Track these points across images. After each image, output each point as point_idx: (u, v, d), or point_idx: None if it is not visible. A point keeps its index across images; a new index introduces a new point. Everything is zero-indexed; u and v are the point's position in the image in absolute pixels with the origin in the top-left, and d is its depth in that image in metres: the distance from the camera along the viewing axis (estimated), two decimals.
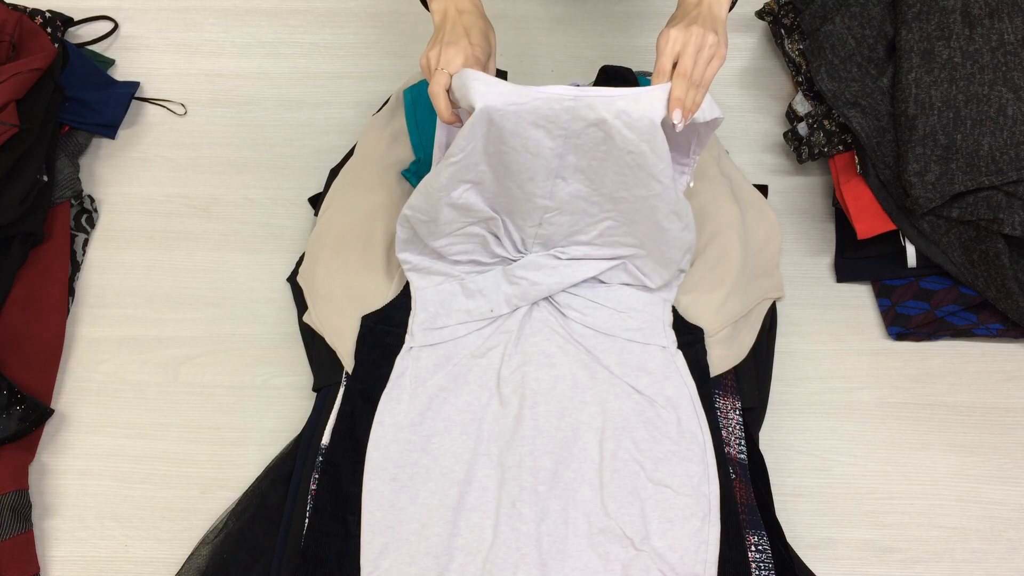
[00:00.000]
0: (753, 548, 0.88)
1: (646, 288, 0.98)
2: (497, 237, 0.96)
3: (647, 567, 0.86)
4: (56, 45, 1.19)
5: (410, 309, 0.98)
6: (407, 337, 0.96)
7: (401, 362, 0.95)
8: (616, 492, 0.89)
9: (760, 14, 1.22)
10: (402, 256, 0.97)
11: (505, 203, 0.92)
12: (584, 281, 0.98)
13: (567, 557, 0.86)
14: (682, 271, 0.97)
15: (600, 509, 0.88)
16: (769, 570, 0.88)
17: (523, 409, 0.93)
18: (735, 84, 1.25)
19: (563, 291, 0.98)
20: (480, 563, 0.86)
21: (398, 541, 0.87)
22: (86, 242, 1.15)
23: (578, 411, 0.93)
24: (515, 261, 0.98)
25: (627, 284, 0.99)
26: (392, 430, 0.92)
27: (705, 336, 0.97)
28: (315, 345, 1.03)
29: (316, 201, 1.16)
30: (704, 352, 0.96)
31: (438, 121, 0.87)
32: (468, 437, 0.92)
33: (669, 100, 0.80)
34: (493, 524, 0.88)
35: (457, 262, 0.98)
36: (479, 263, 0.98)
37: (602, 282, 0.99)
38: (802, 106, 1.15)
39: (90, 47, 1.29)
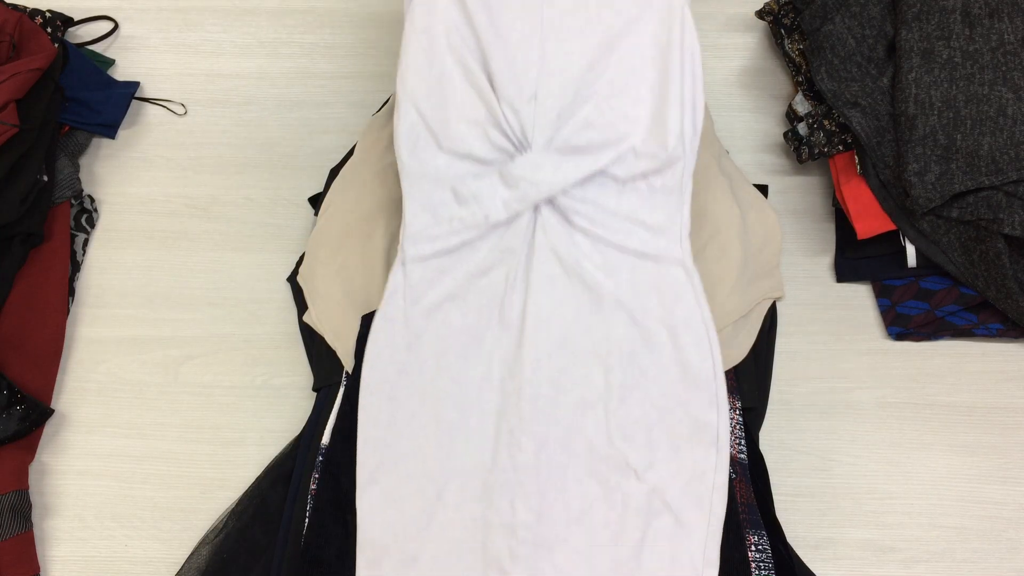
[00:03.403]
0: (753, 548, 0.88)
1: (662, 186, 0.90)
2: (498, 126, 0.90)
3: (648, 497, 0.83)
4: (56, 45, 1.19)
5: None
6: (397, 251, 0.91)
7: (393, 279, 0.91)
8: (622, 421, 0.85)
9: (760, 14, 1.22)
10: (408, 162, 0.92)
11: (497, 53, 0.88)
12: (594, 178, 0.90)
13: (566, 486, 0.84)
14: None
15: (604, 437, 0.85)
16: (769, 570, 0.88)
17: (524, 335, 0.88)
18: (735, 84, 1.25)
19: (570, 195, 0.90)
20: (477, 489, 0.84)
21: (394, 459, 0.85)
22: (86, 242, 1.15)
23: (582, 338, 0.88)
24: (514, 160, 0.91)
25: (642, 179, 0.90)
26: (388, 351, 0.88)
27: None
28: (315, 345, 1.03)
29: (316, 201, 1.16)
30: None
31: None
32: (467, 361, 0.88)
33: None
34: (492, 450, 0.85)
35: (454, 156, 0.91)
36: (476, 160, 0.91)
37: (615, 181, 0.90)
38: (802, 106, 1.15)
39: (90, 47, 1.29)
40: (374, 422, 0.86)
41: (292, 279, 1.10)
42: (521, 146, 0.92)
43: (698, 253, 1.00)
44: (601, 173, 0.90)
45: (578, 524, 0.84)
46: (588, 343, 0.88)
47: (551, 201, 0.91)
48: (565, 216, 0.91)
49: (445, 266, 0.91)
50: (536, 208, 0.91)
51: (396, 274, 0.91)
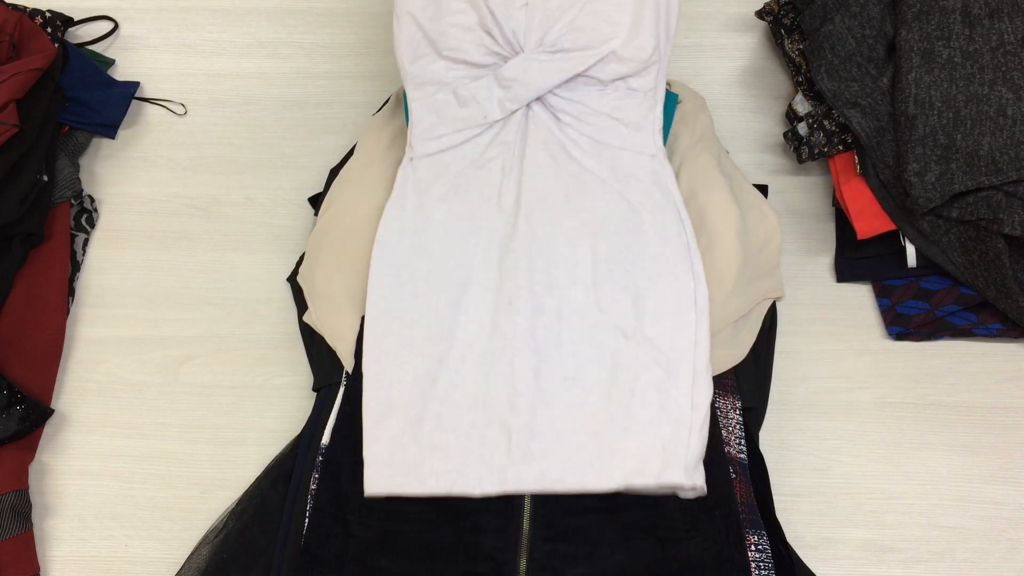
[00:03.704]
0: (753, 548, 0.89)
1: (638, 87, 1.00)
2: (490, 33, 1.00)
3: (636, 354, 0.91)
4: (56, 45, 1.19)
5: None
6: (406, 149, 1.01)
7: (402, 173, 1.00)
8: (608, 290, 0.94)
9: (760, 14, 1.22)
10: (410, 70, 1.02)
11: None
12: (578, 80, 1.00)
13: (561, 346, 0.91)
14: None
15: (593, 306, 0.93)
16: (769, 570, 0.88)
17: (519, 217, 0.97)
18: (735, 84, 1.25)
19: (558, 95, 1.00)
20: (479, 352, 0.91)
21: (400, 326, 0.93)
22: (86, 242, 1.15)
23: (571, 218, 0.97)
24: (507, 63, 1.01)
25: (621, 81, 1.00)
26: (397, 234, 0.97)
27: None
28: (315, 345, 1.03)
29: (316, 201, 1.16)
30: None
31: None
32: (468, 244, 0.96)
33: None
34: (491, 319, 0.92)
35: (452, 62, 1.01)
36: (472, 65, 1.01)
37: (598, 82, 1.00)
38: (802, 106, 1.15)
39: (90, 47, 1.29)
40: (382, 295, 0.94)
41: (292, 279, 1.10)
42: (514, 50, 1.01)
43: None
44: (585, 75, 1.01)
45: (573, 381, 0.91)
46: (576, 222, 0.97)
47: (541, 100, 1.01)
48: (554, 114, 1.01)
49: (448, 160, 1.00)
50: (528, 106, 1.01)
51: (405, 169, 1.00)
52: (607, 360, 0.91)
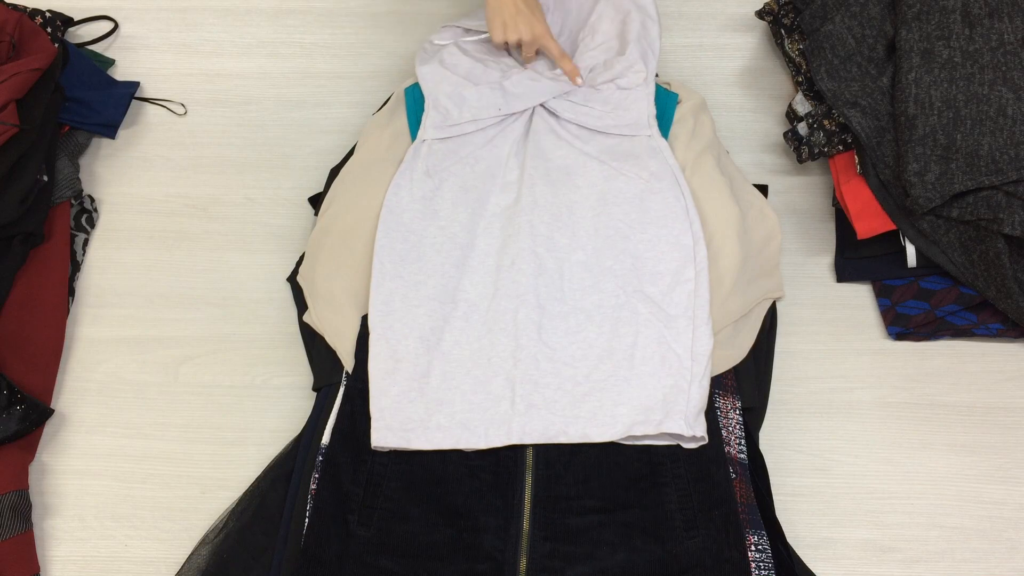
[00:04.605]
0: (753, 548, 0.89)
1: (629, 85, 1.07)
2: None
3: (636, 310, 0.95)
4: (56, 45, 1.19)
5: None
6: (419, 132, 1.06)
7: (413, 149, 1.05)
8: (608, 253, 0.98)
9: (760, 14, 1.22)
10: (421, 69, 1.10)
11: None
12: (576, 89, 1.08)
13: (563, 303, 0.95)
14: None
15: (594, 266, 0.97)
16: (769, 570, 0.88)
17: (522, 188, 1.01)
18: (735, 84, 1.25)
19: (558, 99, 1.07)
20: (483, 311, 0.95)
21: (405, 287, 0.96)
22: (86, 242, 1.15)
23: (572, 192, 1.02)
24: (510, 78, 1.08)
25: (609, 82, 1.07)
26: (407, 200, 1.01)
27: None
28: (315, 345, 1.03)
29: (316, 201, 1.16)
30: None
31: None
32: (473, 211, 1.00)
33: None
34: (494, 280, 0.96)
35: (468, 79, 1.08)
36: (484, 82, 1.08)
37: (591, 86, 1.08)
38: (802, 106, 1.15)
39: (90, 47, 1.29)
40: (390, 258, 0.98)
41: (292, 279, 1.10)
42: (519, 65, 1.11)
43: None
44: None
45: (575, 336, 0.94)
46: (578, 196, 1.02)
47: (542, 103, 1.08)
48: (554, 113, 1.07)
49: (459, 143, 1.05)
50: (533, 109, 1.08)
51: (417, 147, 1.05)
52: (608, 316, 0.95)
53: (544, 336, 0.94)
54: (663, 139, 1.05)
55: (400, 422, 0.91)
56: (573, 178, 1.03)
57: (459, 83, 1.07)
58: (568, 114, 1.06)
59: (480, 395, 0.92)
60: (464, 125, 1.06)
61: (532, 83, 1.07)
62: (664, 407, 0.90)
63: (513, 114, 1.07)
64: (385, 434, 0.91)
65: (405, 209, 1.01)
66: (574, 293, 0.96)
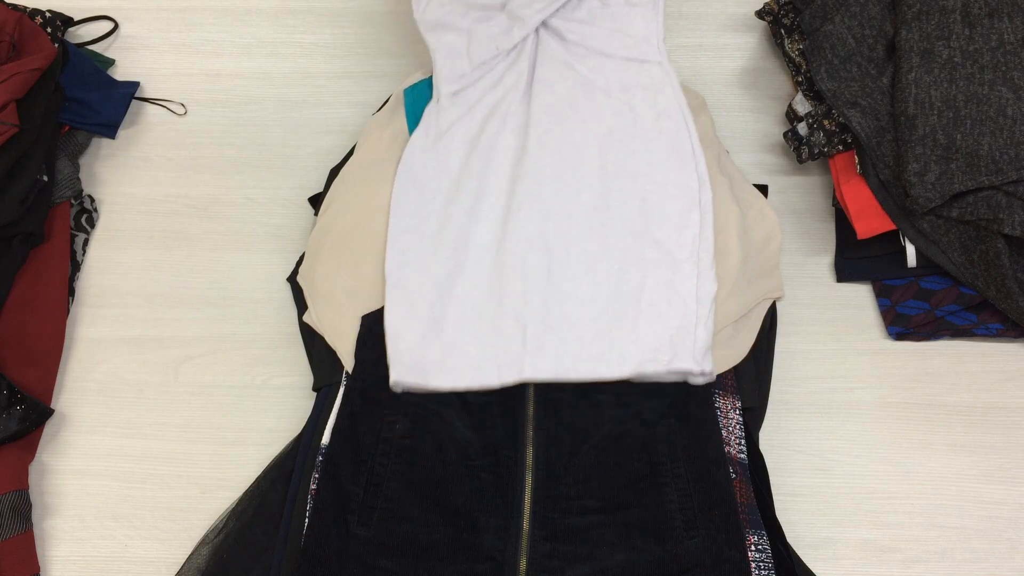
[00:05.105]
0: (753, 548, 0.89)
1: (639, 2, 1.08)
2: None
3: (643, 253, 0.96)
4: (56, 45, 1.19)
5: None
6: (433, 94, 1.08)
7: (429, 109, 1.07)
8: (615, 194, 0.99)
9: (760, 14, 1.22)
10: (422, 18, 1.11)
11: None
12: (580, 4, 1.08)
13: (571, 246, 0.97)
14: None
15: (601, 208, 0.99)
16: (769, 570, 0.88)
17: (529, 129, 1.03)
18: (735, 84, 1.25)
19: (564, 18, 1.08)
20: (493, 256, 0.98)
21: (420, 239, 0.99)
22: (86, 242, 1.15)
23: (578, 128, 1.03)
24: None
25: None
26: (421, 155, 1.03)
27: None
28: (315, 345, 1.03)
29: (316, 201, 1.16)
30: None
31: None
32: (484, 158, 1.02)
33: None
34: (503, 225, 0.98)
35: (468, 7, 1.09)
36: (483, 6, 1.09)
37: (599, 3, 1.08)
38: (802, 106, 1.15)
39: (90, 47, 1.29)
40: (406, 211, 1.00)
41: (292, 279, 1.10)
42: None
43: None
44: None
45: (583, 278, 0.96)
46: (584, 132, 1.03)
47: (548, 26, 1.08)
48: (560, 35, 1.08)
49: (470, 94, 1.07)
50: (537, 33, 1.08)
51: (431, 107, 1.07)
52: (616, 259, 0.97)
53: (553, 279, 0.96)
54: (672, 71, 1.05)
55: (417, 363, 0.93)
56: (580, 112, 1.03)
57: (461, 32, 1.08)
58: (574, 35, 1.06)
59: (492, 336, 0.94)
60: (471, 74, 1.07)
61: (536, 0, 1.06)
62: (672, 347, 0.92)
63: (516, 47, 1.07)
64: (403, 373, 0.93)
65: (421, 165, 1.03)
66: (582, 236, 0.98)
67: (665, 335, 0.93)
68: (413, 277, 0.97)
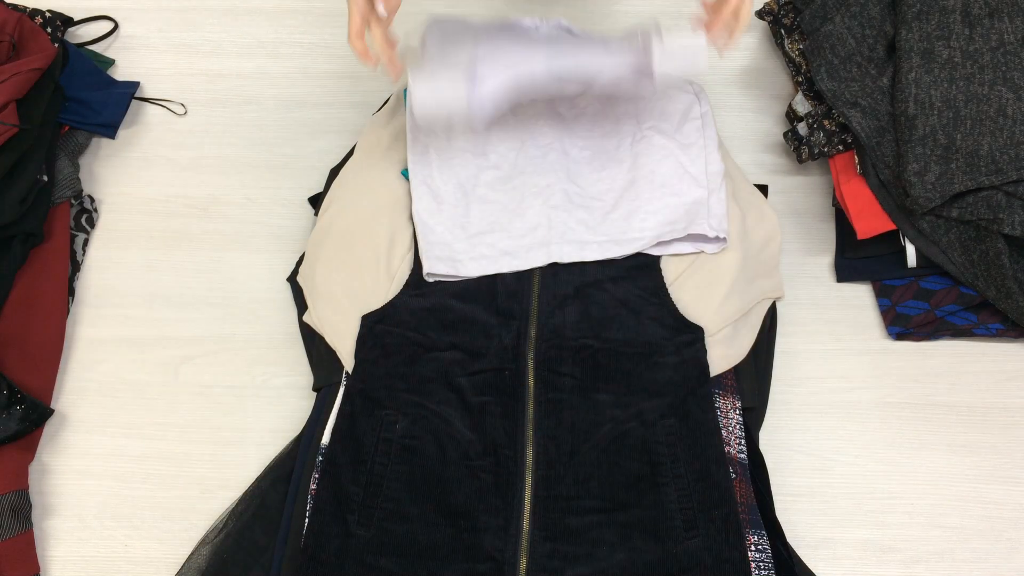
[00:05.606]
0: (753, 548, 0.89)
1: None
2: None
3: (652, 141, 1.05)
4: (56, 45, 1.19)
5: (410, 308, 0.98)
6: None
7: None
8: (622, 104, 1.08)
9: (760, 14, 1.22)
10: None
11: None
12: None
13: (586, 147, 1.06)
14: None
15: (611, 111, 1.08)
16: (769, 570, 0.88)
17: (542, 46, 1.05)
18: (735, 84, 1.25)
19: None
20: (513, 159, 1.05)
21: (439, 140, 1.05)
22: (86, 242, 1.15)
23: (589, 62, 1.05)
24: None
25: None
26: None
27: (705, 336, 0.97)
28: (315, 345, 1.03)
29: (316, 201, 1.16)
30: (704, 351, 0.96)
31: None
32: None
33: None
34: (519, 133, 1.07)
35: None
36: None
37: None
38: (802, 106, 1.15)
39: (90, 47, 1.29)
40: (421, 151, 1.05)
41: (292, 279, 1.10)
42: None
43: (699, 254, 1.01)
44: None
45: (600, 173, 1.05)
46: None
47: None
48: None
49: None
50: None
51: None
52: (628, 152, 1.06)
53: (572, 177, 1.04)
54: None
55: (448, 254, 1.00)
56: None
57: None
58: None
59: (518, 225, 1.02)
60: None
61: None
62: (687, 218, 1.00)
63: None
64: (435, 264, 0.99)
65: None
66: (594, 138, 1.07)
67: (680, 210, 1.01)
68: (437, 176, 1.04)
